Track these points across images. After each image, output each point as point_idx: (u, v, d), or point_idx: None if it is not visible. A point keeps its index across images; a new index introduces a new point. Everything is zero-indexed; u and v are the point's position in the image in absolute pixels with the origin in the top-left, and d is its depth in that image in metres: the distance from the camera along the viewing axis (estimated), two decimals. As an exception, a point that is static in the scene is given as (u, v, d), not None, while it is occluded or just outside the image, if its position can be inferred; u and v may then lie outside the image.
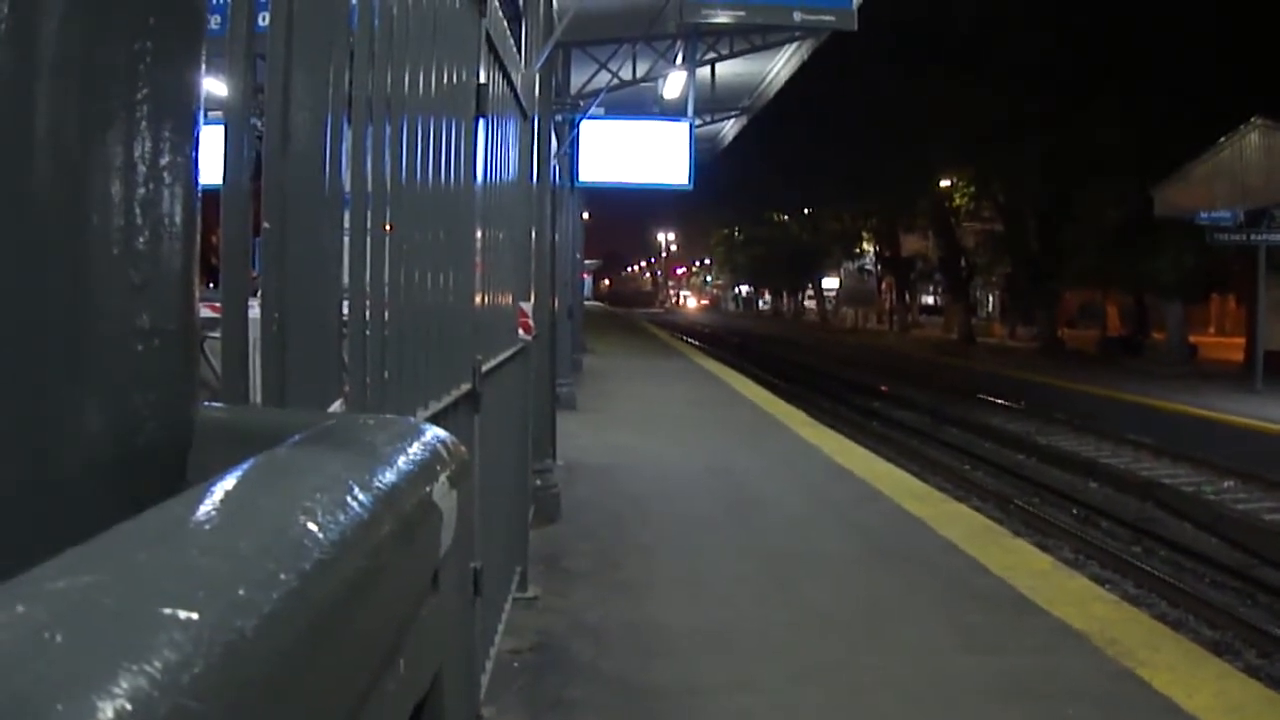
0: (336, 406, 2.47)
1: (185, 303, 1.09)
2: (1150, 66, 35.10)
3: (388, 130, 3.09)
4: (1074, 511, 17.96)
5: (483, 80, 4.98)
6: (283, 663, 0.63)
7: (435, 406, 3.85)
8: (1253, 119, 27.98)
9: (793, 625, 7.57)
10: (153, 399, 1.05)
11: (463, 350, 4.58)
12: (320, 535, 0.75)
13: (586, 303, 50.11)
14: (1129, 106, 35.16)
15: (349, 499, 0.85)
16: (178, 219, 1.05)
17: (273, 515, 0.77)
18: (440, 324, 4.00)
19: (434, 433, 1.19)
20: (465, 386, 4.57)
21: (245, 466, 0.90)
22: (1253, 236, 28.59)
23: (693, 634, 7.29)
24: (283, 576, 0.67)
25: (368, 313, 2.93)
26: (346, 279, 2.72)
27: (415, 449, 1.09)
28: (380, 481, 0.93)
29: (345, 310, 2.71)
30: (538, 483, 9.58)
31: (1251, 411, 24.70)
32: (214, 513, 0.76)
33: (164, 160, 1.02)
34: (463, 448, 1.25)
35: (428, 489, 1.04)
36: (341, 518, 0.80)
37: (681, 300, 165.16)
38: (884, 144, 51.86)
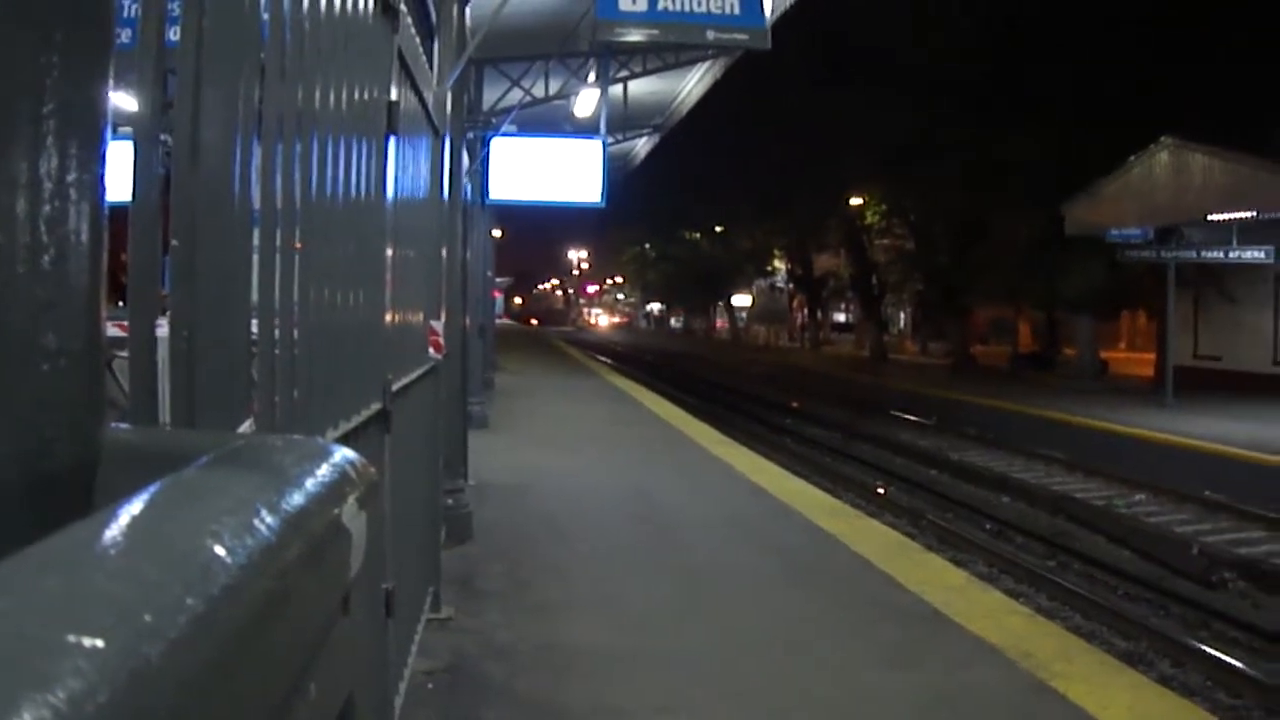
0: (246, 426, 2.44)
1: (92, 322, 1.07)
2: (1062, 88, 35.61)
3: (298, 147, 3.05)
4: (987, 526, 18.16)
5: (394, 97, 4.94)
6: (190, 690, 0.62)
7: (345, 426, 3.79)
8: (1162, 138, 28.46)
9: (710, 644, 7.56)
10: (59, 420, 1.03)
11: (373, 369, 4.54)
12: (227, 559, 0.74)
13: (498, 321, 50.00)
14: (1041, 126, 35.63)
15: (256, 522, 0.83)
16: (84, 236, 1.03)
17: (179, 539, 0.75)
18: (351, 342, 3.95)
19: (342, 454, 1.18)
20: (376, 406, 4.51)
21: (152, 490, 0.88)
22: (1162, 253, 29.06)
23: (608, 655, 7.27)
24: (189, 601, 0.66)
25: (277, 331, 2.89)
26: (255, 297, 2.69)
27: (323, 470, 1.08)
28: (288, 504, 0.92)
29: (254, 329, 2.67)
30: (449, 502, 9.52)
31: (1162, 426, 25.06)
32: (120, 537, 0.74)
33: (70, 176, 1.00)
34: (371, 469, 1.23)
35: (336, 511, 1.03)
36: (249, 541, 0.79)
37: (594, 318, 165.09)
38: (797, 162, 52.23)
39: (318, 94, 3.27)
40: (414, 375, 6.01)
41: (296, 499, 0.95)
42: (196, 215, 2.13)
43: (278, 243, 2.87)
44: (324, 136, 3.38)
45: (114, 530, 0.75)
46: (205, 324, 2.15)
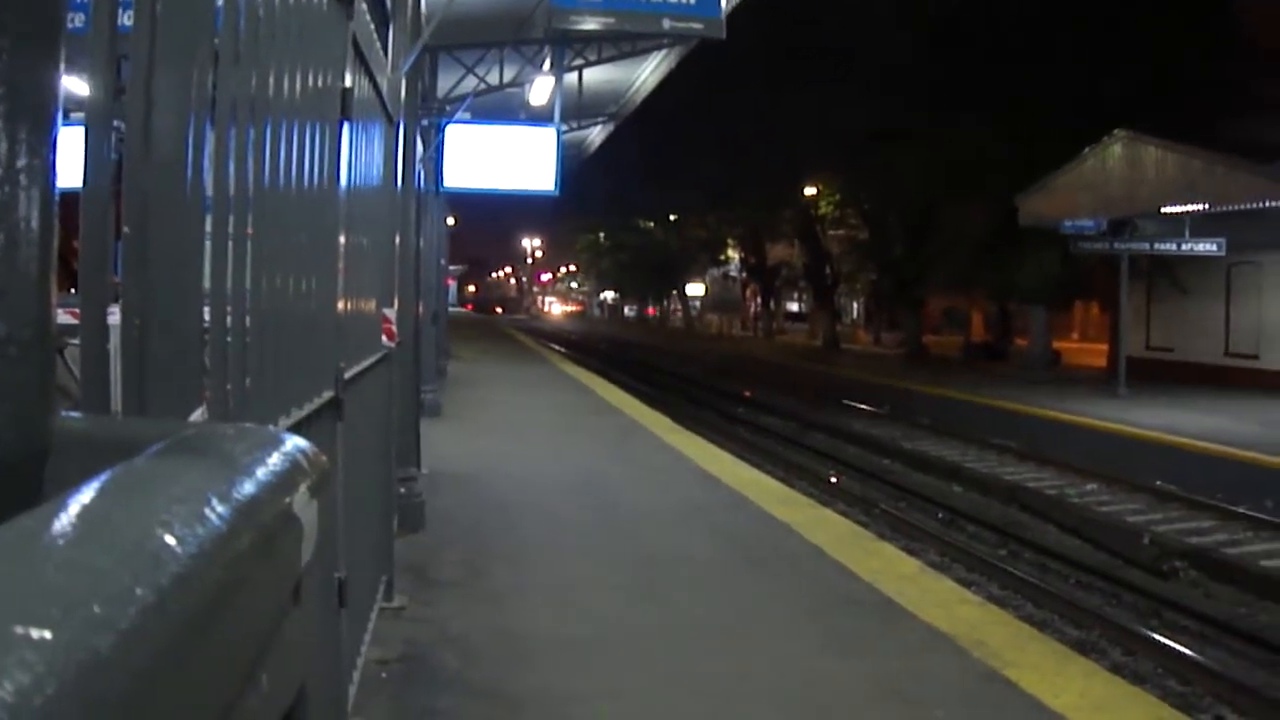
0: (199, 414, 2.42)
1: (42, 309, 1.06)
2: (1018, 82, 35.81)
3: (251, 133, 3.03)
4: (940, 515, 18.27)
5: (348, 84, 4.91)
6: (141, 681, 0.62)
7: (298, 414, 3.77)
8: (1116, 131, 28.68)
9: (663, 632, 7.58)
10: (8, 409, 1.02)
11: (325, 357, 4.51)
12: (178, 549, 0.73)
13: (451, 308, 49.83)
14: (996, 120, 35.82)
15: (207, 511, 0.83)
16: (34, 223, 1.02)
17: (130, 529, 0.75)
18: (303, 330, 3.93)
19: (294, 442, 1.17)
20: (328, 394, 4.48)
21: (102, 479, 0.87)
22: (1115, 245, 29.28)
23: (561, 642, 7.27)
24: (139, 592, 0.65)
25: (229, 319, 2.87)
26: (208, 284, 2.67)
27: (275, 459, 1.07)
28: (239, 493, 0.91)
29: (206, 316, 2.65)
30: (402, 491, 9.48)
31: (1114, 416, 25.25)
32: (70, 527, 0.74)
33: (20, 163, 0.99)
34: (323, 457, 1.23)
35: (288, 500, 1.02)
36: (200, 530, 0.78)
37: (547, 306, 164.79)
38: (752, 152, 52.34)
39: (271, 80, 3.25)
40: (367, 363, 5.99)
41: (247, 488, 0.94)
42: (149, 201, 2.11)
43: (230, 229, 2.85)
44: (277, 123, 3.36)
45: (62, 520, 0.75)
46: (157, 311, 2.14)
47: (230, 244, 2.85)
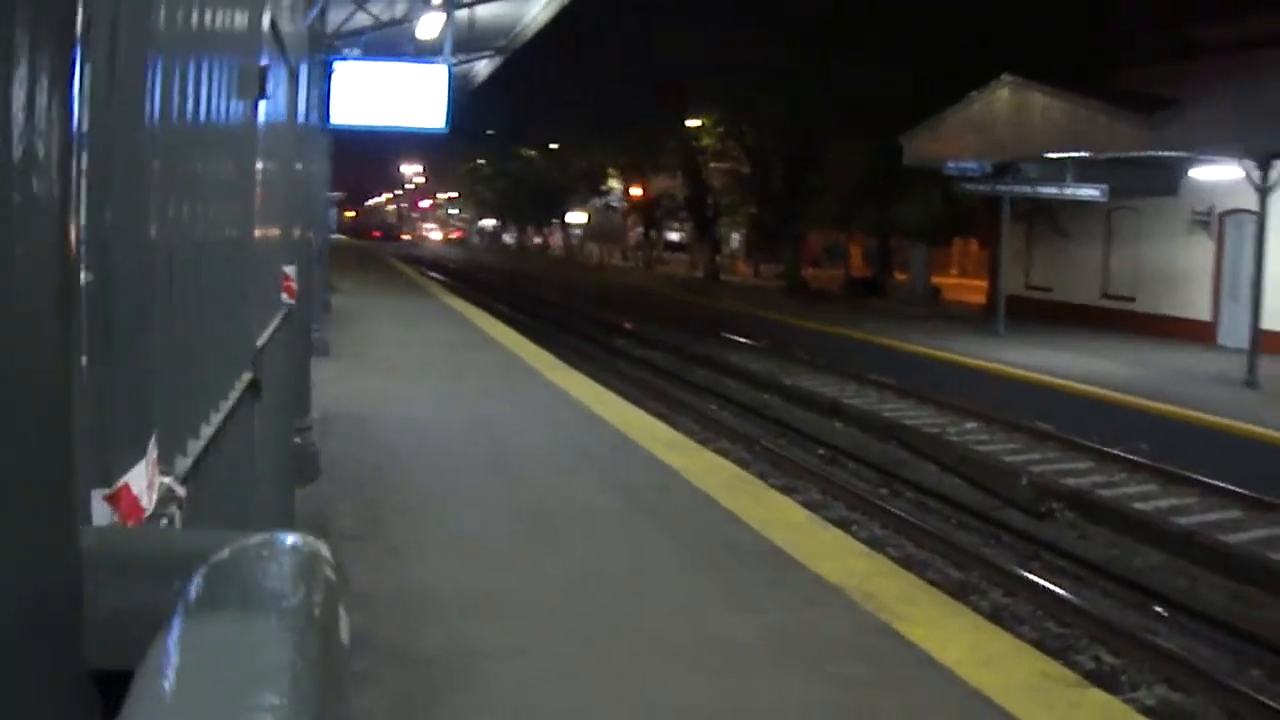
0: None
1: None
2: (906, 21, 36.06)
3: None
4: (820, 452, 18.47)
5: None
6: None
7: (224, 407, 3.58)
8: (1003, 76, 28.98)
9: (564, 586, 7.66)
10: (30, 534, 1.02)
11: (244, 334, 4.40)
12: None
13: (331, 236, 49.20)
14: (883, 59, 36.00)
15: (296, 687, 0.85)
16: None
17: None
18: (223, 307, 3.75)
19: (322, 555, 1.18)
20: (247, 376, 4.29)
21: (177, 650, 0.89)
22: (998, 187, 29.68)
23: (464, 597, 7.32)
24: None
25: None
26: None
27: (319, 589, 1.08)
28: (309, 655, 0.93)
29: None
30: (298, 441, 9.41)
31: (993, 354, 25.64)
32: None
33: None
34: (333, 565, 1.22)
35: (342, 637, 1.04)
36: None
37: (426, 234, 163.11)
38: (638, 86, 52.28)
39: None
40: (273, 327, 5.90)
41: (313, 645, 0.96)
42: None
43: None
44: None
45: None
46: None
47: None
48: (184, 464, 2.75)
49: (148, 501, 2.12)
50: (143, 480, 2.08)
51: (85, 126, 1.92)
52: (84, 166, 1.91)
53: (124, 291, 2.12)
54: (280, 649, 0.90)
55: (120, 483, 1.97)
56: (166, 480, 2.36)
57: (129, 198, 2.16)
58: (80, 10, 1.05)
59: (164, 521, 2.21)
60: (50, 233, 1.02)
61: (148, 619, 1.03)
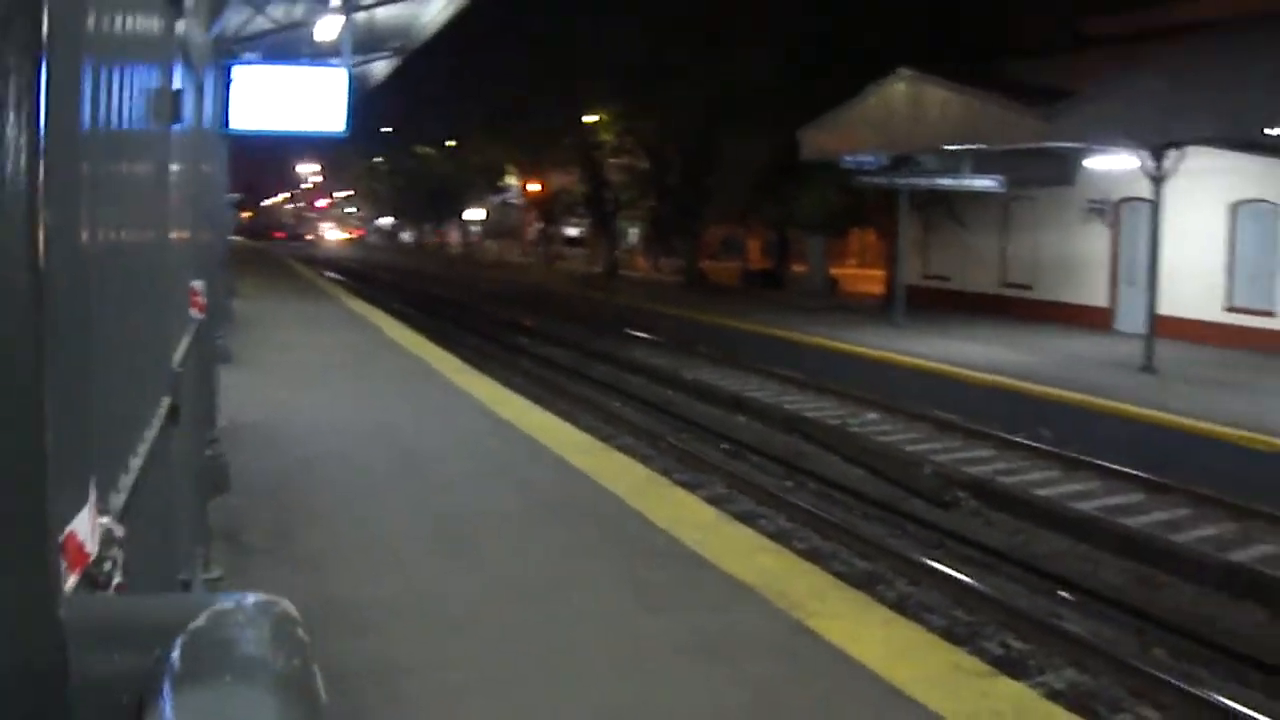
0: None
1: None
2: (800, 17, 36.32)
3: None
4: (724, 446, 18.57)
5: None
6: None
7: (149, 436, 3.45)
8: (899, 69, 29.16)
9: (480, 594, 7.68)
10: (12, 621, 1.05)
11: (163, 359, 4.37)
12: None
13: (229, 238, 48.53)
14: (777, 54, 36.23)
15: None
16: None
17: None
18: (144, 331, 3.64)
19: (290, 616, 1.22)
20: (166, 401, 4.15)
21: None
22: (895, 180, 29.98)
23: (382, 609, 7.30)
24: None
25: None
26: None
27: (294, 654, 1.12)
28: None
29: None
30: (209, 453, 9.31)
31: (893, 345, 25.86)
32: None
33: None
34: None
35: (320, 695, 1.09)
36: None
37: (323, 232, 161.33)
38: (536, 82, 52.32)
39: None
40: (185, 345, 5.84)
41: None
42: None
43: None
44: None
45: None
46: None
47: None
48: (118, 501, 2.70)
49: (92, 547, 2.08)
50: (87, 526, 2.05)
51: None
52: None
53: (66, 323, 2.02)
54: (268, 715, 0.94)
55: (67, 531, 1.89)
56: (104, 521, 2.31)
57: (63, 217, 2.11)
58: (45, 18, 1.07)
59: (107, 565, 2.18)
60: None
61: (133, 688, 1.07)
